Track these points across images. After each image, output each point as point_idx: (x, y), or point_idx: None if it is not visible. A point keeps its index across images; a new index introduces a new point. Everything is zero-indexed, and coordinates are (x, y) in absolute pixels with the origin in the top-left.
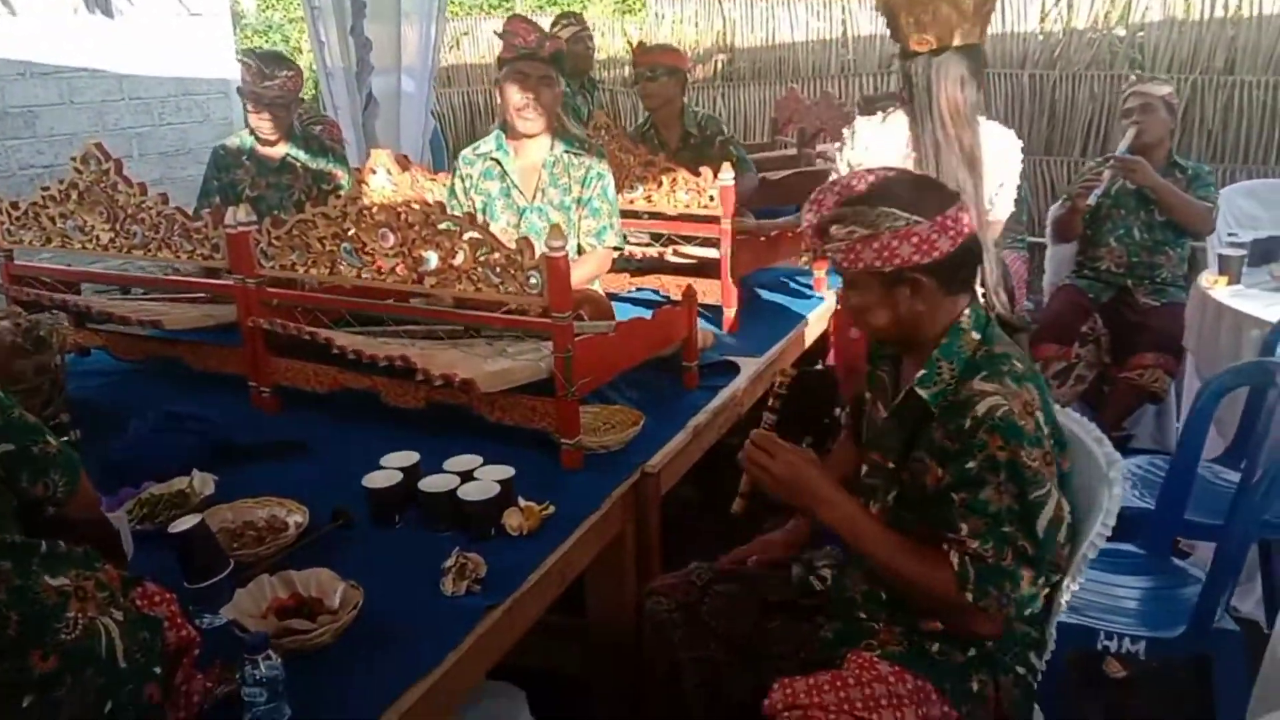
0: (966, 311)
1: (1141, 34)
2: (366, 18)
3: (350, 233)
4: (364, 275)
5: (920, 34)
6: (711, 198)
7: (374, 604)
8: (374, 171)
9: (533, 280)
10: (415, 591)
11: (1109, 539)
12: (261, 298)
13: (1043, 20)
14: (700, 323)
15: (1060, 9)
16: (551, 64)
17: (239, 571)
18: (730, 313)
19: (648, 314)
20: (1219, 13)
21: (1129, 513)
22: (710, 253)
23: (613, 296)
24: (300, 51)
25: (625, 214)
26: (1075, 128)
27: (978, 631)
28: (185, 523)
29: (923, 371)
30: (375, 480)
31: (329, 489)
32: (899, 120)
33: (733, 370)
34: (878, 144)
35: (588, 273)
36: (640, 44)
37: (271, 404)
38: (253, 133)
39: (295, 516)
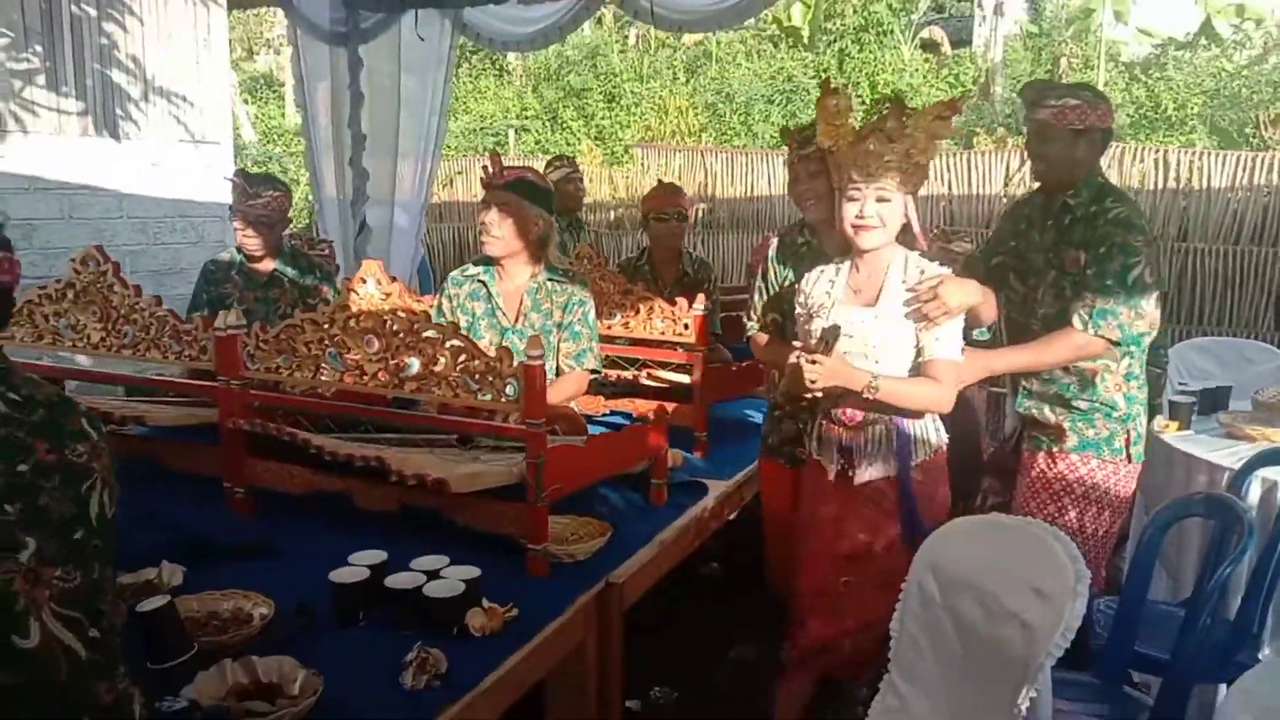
0: None
1: None
2: (365, 152)
3: (336, 338)
4: (346, 379)
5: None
6: (686, 326)
7: (333, 693)
8: (364, 281)
9: (509, 389)
10: (375, 684)
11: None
12: (244, 400)
13: None
14: (670, 445)
15: None
16: (513, 192)
17: (202, 657)
18: (701, 435)
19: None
20: (1171, 184)
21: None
22: (682, 378)
23: (587, 419)
24: (298, 184)
25: (603, 339)
26: None
27: None
28: (152, 603)
29: None
30: (341, 575)
31: (296, 585)
32: None
33: (700, 491)
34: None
35: (565, 393)
36: (654, 188)
37: (245, 506)
38: (239, 249)
39: (260, 609)
